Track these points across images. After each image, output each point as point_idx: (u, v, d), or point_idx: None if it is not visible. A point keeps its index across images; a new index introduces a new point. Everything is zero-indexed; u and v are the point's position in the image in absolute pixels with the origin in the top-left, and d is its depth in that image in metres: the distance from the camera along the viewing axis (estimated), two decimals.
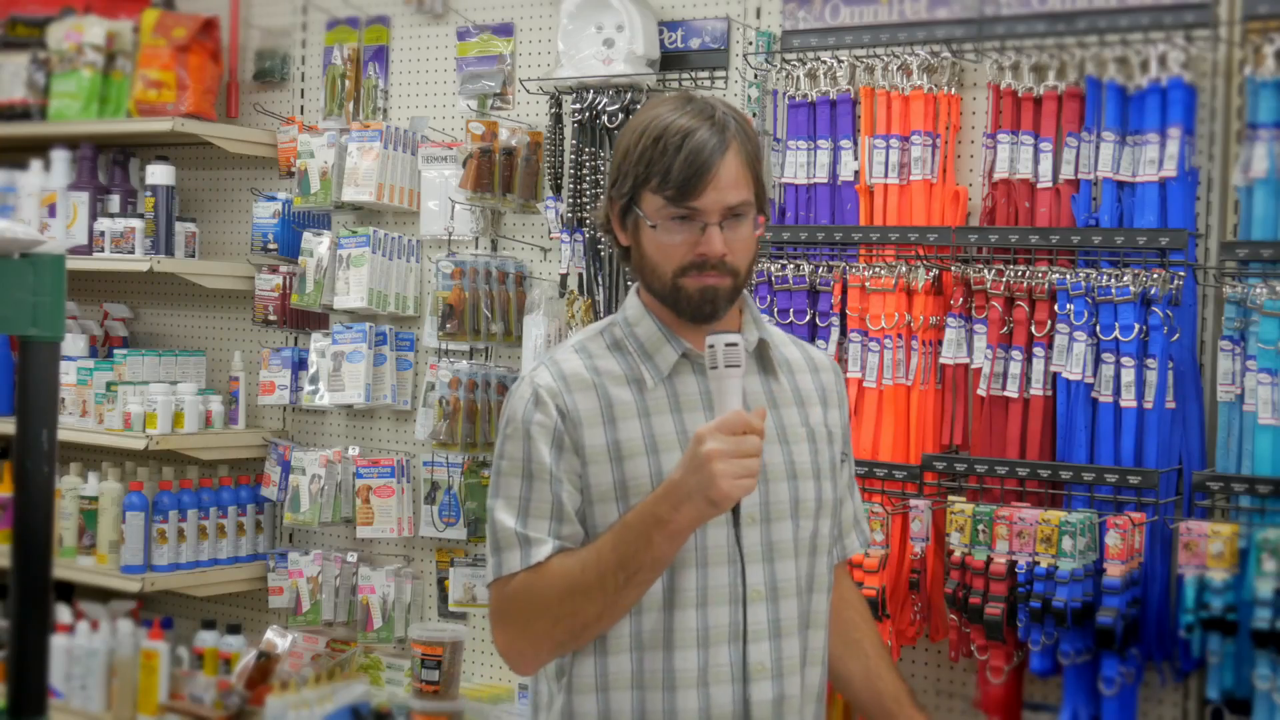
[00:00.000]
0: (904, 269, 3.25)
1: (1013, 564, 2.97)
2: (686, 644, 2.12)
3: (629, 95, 3.67)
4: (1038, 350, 3.10)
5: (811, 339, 3.34)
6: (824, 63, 3.43)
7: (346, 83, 4.27)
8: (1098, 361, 3.03)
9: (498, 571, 2.14)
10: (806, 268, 3.35)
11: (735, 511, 2.04)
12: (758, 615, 2.14)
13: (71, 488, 4.22)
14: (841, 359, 3.31)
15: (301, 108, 4.42)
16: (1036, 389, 3.10)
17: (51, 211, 4.42)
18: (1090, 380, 3.04)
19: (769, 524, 2.17)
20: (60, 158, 4.49)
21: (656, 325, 2.19)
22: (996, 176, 3.20)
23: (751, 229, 2.15)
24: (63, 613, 4.23)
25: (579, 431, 2.13)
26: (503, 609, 2.15)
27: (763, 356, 2.25)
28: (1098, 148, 3.09)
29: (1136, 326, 2.98)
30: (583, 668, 2.15)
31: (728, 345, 2.02)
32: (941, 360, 3.22)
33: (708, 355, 2.03)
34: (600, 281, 3.71)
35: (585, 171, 3.71)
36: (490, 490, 2.19)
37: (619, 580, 2.04)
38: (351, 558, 4.12)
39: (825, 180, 3.41)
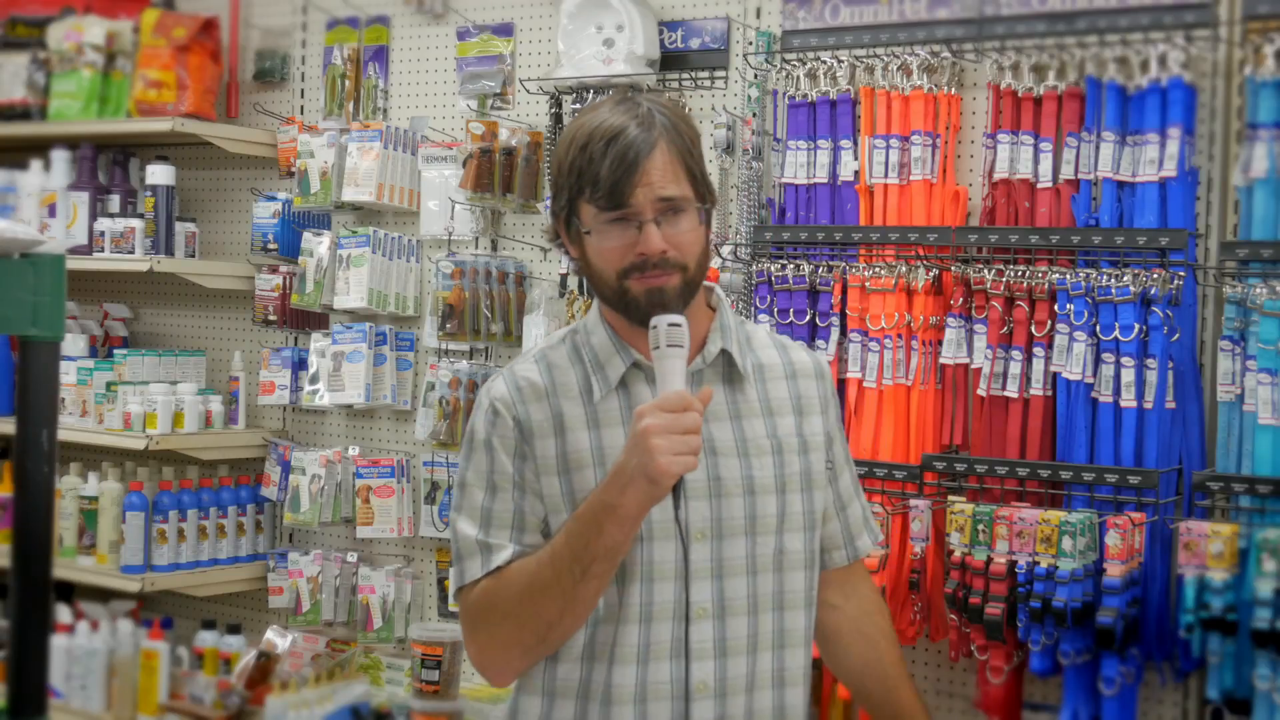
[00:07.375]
0: (904, 269, 3.25)
1: (1013, 564, 2.97)
2: (626, 659, 2.10)
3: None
4: (1038, 350, 3.09)
5: (811, 339, 3.34)
6: (824, 63, 3.43)
7: (346, 83, 4.27)
8: (1098, 361, 3.03)
9: (460, 581, 2.14)
10: (806, 268, 3.35)
11: (676, 494, 1.99)
12: (702, 633, 2.10)
13: (71, 488, 4.22)
14: (841, 359, 3.31)
15: (301, 108, 4.42)
16: (1036, 389, 3.10)
17: (51, 211, 4.42)
18: (1090, 380, 3.04)
19: (720, 540, 2.12)
20: (60, 158, 4.49)
21: (609, 335, 2.16)
22: (996, 176, 3.20)
23: (695, 224, 2.10)
24: (63, 613, 4.23)
25: (533, 442, 2.13)
26: (469, 619, 2.14)
27: (729, 366, 2.20)
28: (1098, 148, 3.09)
29: (1136, 326, 2.98)
30: (533, 671, 2.16)
31: (670, 325, 2.00)
32: (941, 360, 3.22)
33: (650, 336, 2.01)
34: None
35: None
36: (453, 506, 2.18)
37: (575, 573, 2.01)
38: (351, 558, 4.12)
39: (825, 180, 3.41)
